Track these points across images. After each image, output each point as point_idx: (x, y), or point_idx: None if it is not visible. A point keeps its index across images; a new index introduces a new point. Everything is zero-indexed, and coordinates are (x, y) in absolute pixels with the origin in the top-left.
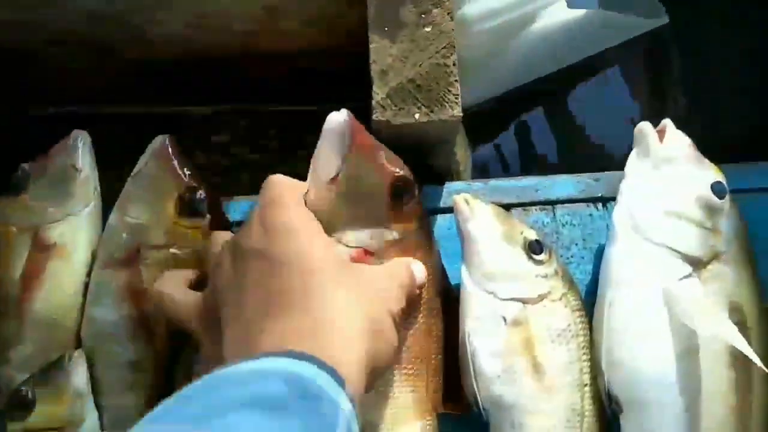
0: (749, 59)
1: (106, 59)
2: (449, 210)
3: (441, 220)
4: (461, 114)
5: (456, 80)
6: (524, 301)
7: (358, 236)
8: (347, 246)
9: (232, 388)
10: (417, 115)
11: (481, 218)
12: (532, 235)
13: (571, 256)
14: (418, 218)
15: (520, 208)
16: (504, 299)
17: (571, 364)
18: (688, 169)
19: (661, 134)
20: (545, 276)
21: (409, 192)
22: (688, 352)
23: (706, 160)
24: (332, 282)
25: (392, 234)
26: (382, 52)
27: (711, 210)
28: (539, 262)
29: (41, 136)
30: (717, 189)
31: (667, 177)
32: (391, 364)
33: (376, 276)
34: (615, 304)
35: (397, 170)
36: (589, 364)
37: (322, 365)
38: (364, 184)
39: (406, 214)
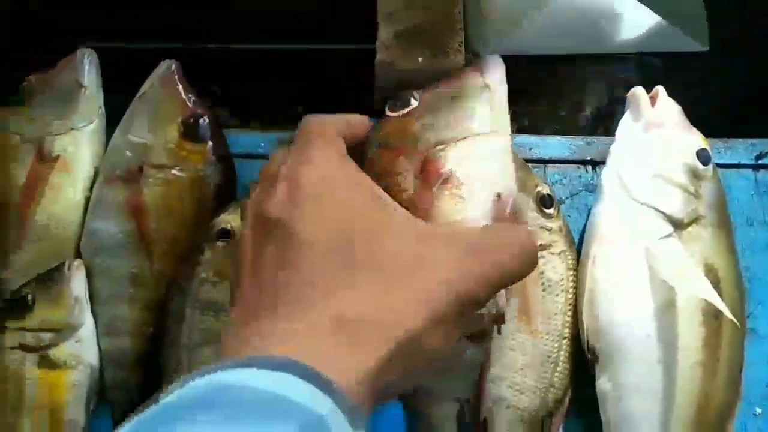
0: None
1: None
2: None
3: None
4: (463, 63)
5: (461, 28)
6: None
7: None
8: None
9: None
10: (420, 59)
11: None
12: (546, 189)
13: None
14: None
15: None
16: None
17: (556, 315)
18: (676, 134)
19: (653, 100)
20: (549, 229)
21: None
22: (664, 307)
23: (694, 128)
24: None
25: None
26: None
27: (695, 175)
28: (548, 216)
29: None
30: (702, 156)
31: (655, 140)
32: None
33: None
34: (598, 259)
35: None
36: (571, 320)
37: (339, 397)
38: None
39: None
